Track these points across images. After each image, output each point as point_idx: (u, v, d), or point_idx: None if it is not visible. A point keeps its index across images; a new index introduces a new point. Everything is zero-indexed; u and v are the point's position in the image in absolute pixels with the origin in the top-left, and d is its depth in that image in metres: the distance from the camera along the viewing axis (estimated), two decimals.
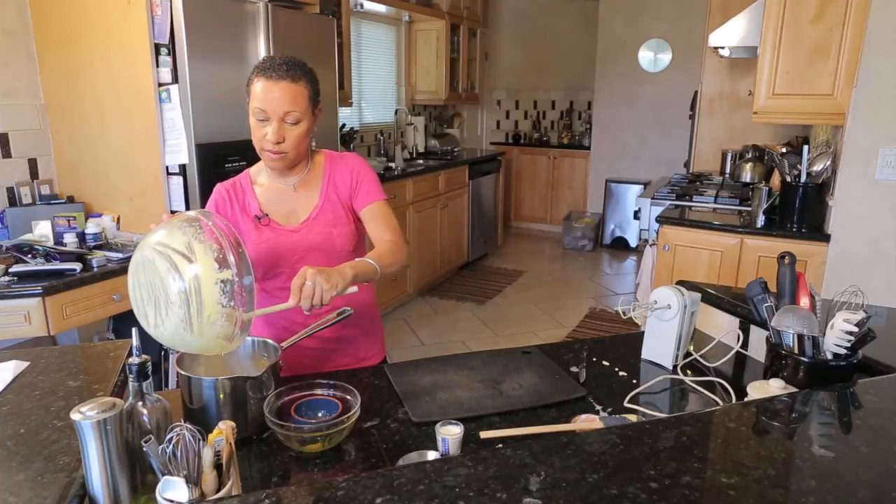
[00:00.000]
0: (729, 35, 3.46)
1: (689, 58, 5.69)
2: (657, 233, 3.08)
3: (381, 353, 1.72)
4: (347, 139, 4.64)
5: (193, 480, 0.87)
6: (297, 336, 1.36)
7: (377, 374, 1.45)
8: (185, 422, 0.89)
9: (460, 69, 5.81)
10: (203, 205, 2.55)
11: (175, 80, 2.44)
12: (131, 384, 0.97)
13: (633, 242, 6.20)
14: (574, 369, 1.45)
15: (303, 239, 1.52)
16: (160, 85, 2.45)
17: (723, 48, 3.74)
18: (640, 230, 3.68)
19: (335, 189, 1.56)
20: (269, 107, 1.39)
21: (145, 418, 0.96)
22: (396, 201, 4.29)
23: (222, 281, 1.05)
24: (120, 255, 2.45)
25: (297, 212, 1.55)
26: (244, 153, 2.75)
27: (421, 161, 5.18)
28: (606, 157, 6.50)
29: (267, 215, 1.53)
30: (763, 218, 2.81)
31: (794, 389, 1.17)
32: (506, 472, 0.82)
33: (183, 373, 1.15)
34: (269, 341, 1.31)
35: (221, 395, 1.13)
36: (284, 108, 1.40)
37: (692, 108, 4.84)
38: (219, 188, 1.56)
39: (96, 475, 0.89)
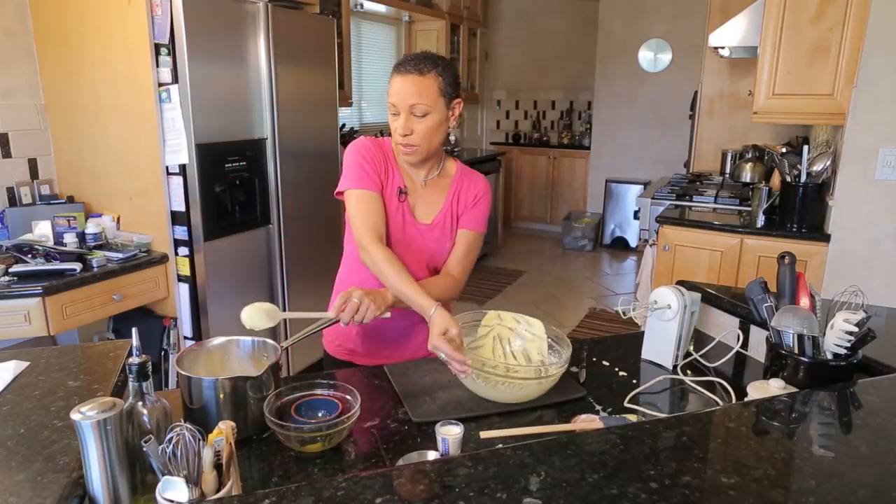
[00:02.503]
0: (729, 35, 3.46)
1: (689, 58, 5.69)
2: (657, 233, 3.08)
3: None
4: (347, 139, 4.64)
5: (193, 480, 0.87)
6: (298, 336, 1.36)
7: (377, 374, 1.45)
8: (185, 422, 0.89)
9: (460, 69, 5.81)
10: (202, 203, 2.55)
11: (175, 80, 2.43)
12: (131, 384, 0.97)
13: (633, 242, 6.20)
14: (574, 369, 1.44)
15: (423, 237, 1.54)
16: (160, 85, 2.45)
17: (723, 48, 3.74)
18: (640, 230, 3.68)
19: (458, 202, 1.57)
20: (398, 99, 1.41)
21: (145, 418, 0.96)
22: None
23: None
24: (120, 255, 2.45)
25: (423, 207, 1.56)
26: (244, 153, 2.75)
27: None
28: (606, 157, 6.50)
29: (406, 193, 1.53)
30: (763, 218, 2.81)
31: (794, 389, 1.17)
32: (506, 472, 0.82)
33: (183, 373, 1.15)
34: (269, 341, 1.32)
35: (221, 395, 1.13)
36: (411, 101, 1.40)
37: (692, 108, 4.84)
38: (363, 139, 1.52)
39: (96, 475, 0.89)
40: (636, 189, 6.01)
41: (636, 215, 3.73)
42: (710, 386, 1.39)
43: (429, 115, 1.42)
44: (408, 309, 1.45)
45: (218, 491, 0.89)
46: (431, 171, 1.57)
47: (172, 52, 2.41)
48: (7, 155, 2.60)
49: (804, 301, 1.30)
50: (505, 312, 1.47)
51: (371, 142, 1.54)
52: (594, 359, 1.54)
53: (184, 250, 2.62)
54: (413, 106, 1.41)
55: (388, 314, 1.39)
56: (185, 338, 2.70)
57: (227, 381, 1.13)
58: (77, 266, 2.30)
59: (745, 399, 1.17)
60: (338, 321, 1.34)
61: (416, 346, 1.64)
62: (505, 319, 1.46)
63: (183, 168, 2.52)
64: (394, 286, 1.41)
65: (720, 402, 1.32)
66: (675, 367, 1.49)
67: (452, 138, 6.09)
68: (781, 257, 1.33)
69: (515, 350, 1.44)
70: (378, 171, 1.50)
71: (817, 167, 2.66)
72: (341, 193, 1.52)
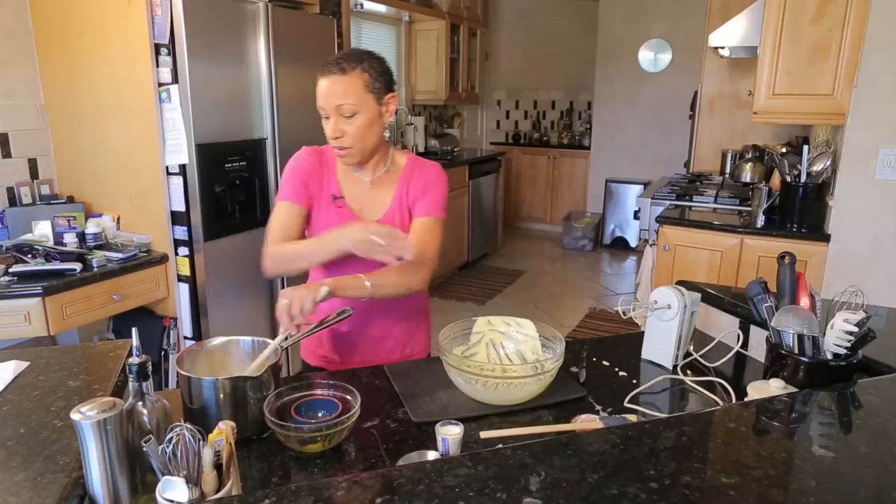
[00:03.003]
0: (729, 35, 3.46)
1: (689, 58, 5.69)
2: (657, 233, 3.08)
3: (426, 349, 1.73)
4: None
5: (193, 480, 0.87)
6: (297, 336, 1.36)
7: (377, 374, 1.45)
8: (185, 422, 0.89)
9: (460, 69, 5.81)
10: (202, 203, 2.55)
11: (175, 80, 2.43)
12: (131, 384, 0.97)
13: (633, 242, 6.20)
14: (574, 369, 1.44)
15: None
16: (160, 85, 2.45)
17: (723, 48, 3.74)
18: (640, 230, 3.68)
19: (407, 198, 1.53)
20: (323, 102, 1.39)
21: (145, 418, 0.96)
22: None
23: None
24: (120, 255, 2.45)
25: (370, 208, 1.53)
26: (244, 153, 2.75)
27: None
28: (606, 157, 6.50)
29: (343, 198, 1.51)
30: (763, 218, 2.81)
31: (794, 389, 1.17)
32: (506, 472, 0.82)
33: (183, 373, 1.15)
34: (269, 341, 1.32)
35: (221, 396, 1.13)
36: (336, 101, 1.38)
37: (692, 108, 4.84)
38: (303, 152, 1.53)
39: (96, 475, 0.89)
40: (636, 189, 6.01)
41: (636, 215, 3.73)
42: (710, 386, 1.39)
43: (358, 115, 1.39)
44: (377, 318, 1.52)
45: (218, 491, 0.89)
46: (377, 169, 1.53)
47: (172, 52, 2.41)
48: (7, 155, 2.60)
49: (804, 301, 1.30)
50: (494, 317, 1.47)
51: (309, 153, 1.53)
52: (594, 359, 1.54)
53: (184, 250, 2.62)
54: (339, 106, 1.38)
55: (324, 290, 1.30)
56: (185, 338, 2.70)
57: (226, 381, 1.13)
58: (77, 266, 2.30)
59: (745, 399, 1.17)
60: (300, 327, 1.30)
61: (386, 351, 1.63)
62: (495, 324, 1.46)
63: (183, 168, 2.53)
64: (303, 255, 1.42)
65: (720, 402, 1.32)
66: (675, 367, 1.49)
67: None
68: (781, 257, 1.33)
69: (510, 353, 1.44)
70: (307, 182, 1.50)
71: (817, 167, 2.66)
72: None
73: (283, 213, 1.50)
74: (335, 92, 1.38)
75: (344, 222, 1.46)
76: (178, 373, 1.17)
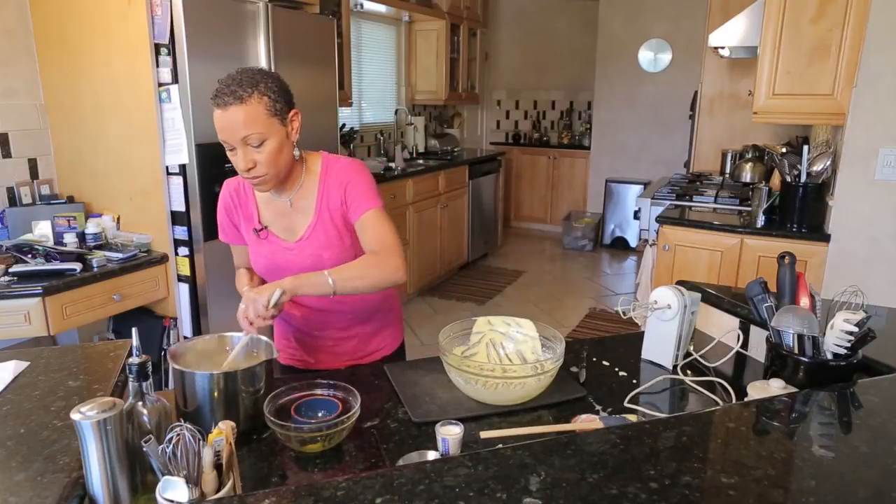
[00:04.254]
0: (729, 35, 3.46)
1: (689, 58, 5.69)
2: (657, 233, 3.08)
3: (396, 342, 1.72)
4: (347, 139, 4.65)
5: (193, 480, 0.87)
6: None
7: (377, 374, 1.45)
8: (182, 420, 0.89)
9: (460, 69, 5.81)
10: (202, 203, 2.55)
11: (175, 80, 2.43)
12: (131, 384, 0.97)
13: (633, 242, 6.20)
14: (574, 369, 1.44)
15: (296, 258, 1.48)
16: (160, 85, 2.45)
17: (723, 48, 3.74)
18: (640, 230, 3.68)
19: (328, 206, 1.47)
20: (227, 136, 1.31)
21: (145, 418, 0.96)
22: (396, 201, 4.29)
23: None
24: (120, 255, 2.45)
25: (295, 227, 1.49)
26: None
27: (421, 161, 5.18)
28: (606, 157, 6.50)
29: (266, 228, 1.50)
30: (763, 218, 2.81)
31: (794, 389, 1.17)
32: (506, 472, 0.82)
33: (177, 367, 1.15)
34: (262, 337, 1.31)
35: (215, 391, 1.13)
36: (241, 134, 1.29)
37: (692, 108, 4.84)
38: (224, 189, 1.54)
39: (96, 475, 0.89)
40: (636, 189, 6.01)
41: (636, 215, 3.73)
42: (710, 386, 1.39)
43: (266, 141, 1.32)
44: (339, 320, 1.57)
45: (218, 491, 0.89)
46: (294, 186, 1.47)
47: (172, 52, 2.41)
48: (7, 155, 2.60)
49: (804, 301, 1.30)
50: (494, 317, 1.48)
51: (228, 190, 1.53)
52: (594, 359, 1.54)
53: (184, 250, 2.62)
54: (245, 137, 1.30)
55: (278, 292, 1.30)
56: (185, 338, 2.70)
57: (220, 374, 1.14)
58: (77, 266, 2.30)
59: (745, 399, 1.18)
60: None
61: (350, 350, 1.63)
62: (495, 324, 1.46)
63: (183, 168, 2.52)
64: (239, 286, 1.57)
65: (720, 402, 1.32)
66: (675, 367, 1.48)
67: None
68: (781, 257, 1.33)
69: (510, 353, 1.44)
70: (233, 219, 1.54)
71: (817, 167, 2.66)
72: None
73: (232, 250, 1.64)
74: (237, 122, 1.28)
75: (274, 249, 1.49)
76: (172, 368, 1.17)
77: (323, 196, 1.47)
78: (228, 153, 1.35)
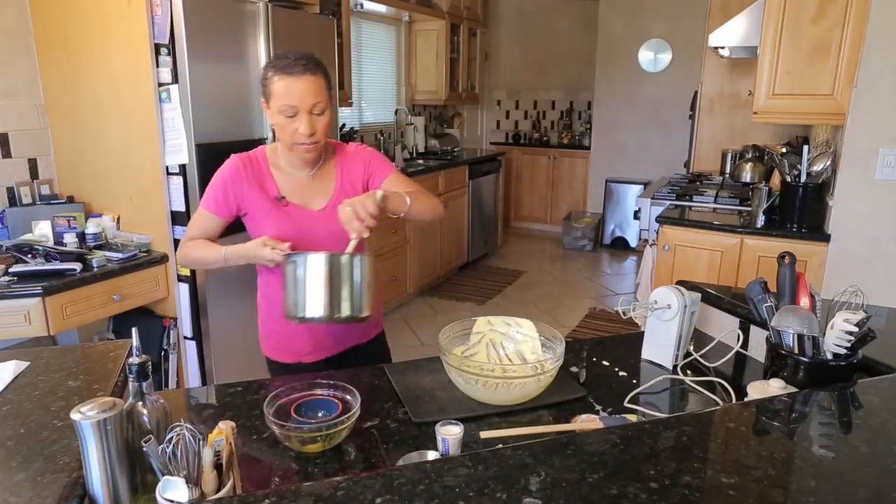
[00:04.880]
0: (729, 35, 3.46)
1: (689, 58, 5.69)
2: (657, 233, 3.08)
3: (378, 327, 1.81)
4: (347, 139, 4.65)
5: (193, 480, 0.87)
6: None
7: (377, 374, 1.45)
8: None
9: (460, 69, 5.81)
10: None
11: (175, 80, 2.43)
12: (131, 384, 0.97)
13: (633, 242, 6.20)
14: (574, 369, 1.44)
15: (324, 223, 1.57)
16: (160, 85, 2.45)
17: (723, 48, 3.74)
18: (640, 230, 3.68)
19: (350, 178, 1.63)
20: (298, 101, 1.44)
21: (145, 418, 0.96)
22: None
23: None
24: (120, 255, 2.45)
25: (313, 199, 1.60)
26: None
27: (421, 161, 5.18)
28: (606, 157, 6.50)
29: (284, 198, 1.59)
30: (763, 218, 2.81)
31: (794, 389, 1.17)
32: (506, 472, 0.82)
33: (291, 255, 1.33)
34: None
35: (329, 270, 1.29)
36: (311, 101, 1.45)
37: (692, 108, 4.84)
38: (234, 160, 1.60)
39: (96, 475, 0.89)
40: (636, 189, 6.01)
41: (636, 215, 3.73)
42: (710, 386, 1.39)
43: (325, 113, 1.50)
44: None
45: (218, 491, 0.89)
46: (318, 161, 1.61)
47: (172, 52, 2.41)
48: (7, 155, 2.60)
49: (804, 301, 1.30)
50: (494, 317, 1.48)
51: (242, 162, 1.59)
52: (594, 359, 1.54)
53: None
54: (314, 105, 1.46)
55: (380, 193, 1.42)
56: (185, 338, 2.70)
57: (332, 255, 1.30)
58: (77, 266, 2.30)
59: (745, 399, 1.18)
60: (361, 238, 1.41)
61: (360, 331, 1.71)
62: (495, 324, 1.47)
63: (183, 168, 2.52)
64: (211, 263, 1.60)
65: (720, 402, 1.32)
66: (675, 367, 1.49)
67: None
68: (781, 257, 1.33)
69: (510, 353, 1.44)
70: (235, 194, 1.57)
71: (817, 167, 2.66)
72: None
73: (203, 218, 1.61)
74: (310, 91, 1.45)
75: (300, 218, 1.57)
76: (286, 256, 1.34)
77: (343, 170, 1.64)
78: (286, 119, 1.46)
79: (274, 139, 2.03)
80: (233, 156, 1.62)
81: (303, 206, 1.59)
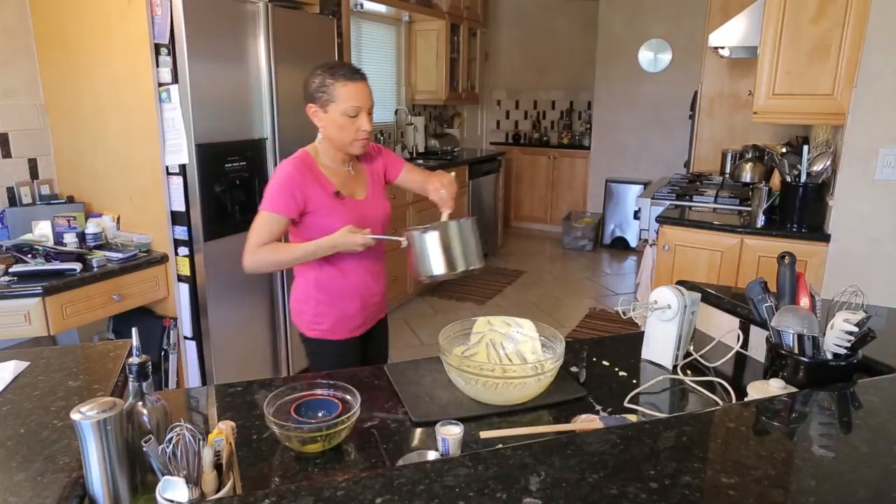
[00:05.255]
0: (729, 35, 3.46)
1: (689, 58, 5.69)
2: (657, 233, 3.08)
3: (385, 309, 2.03)
4: None
5: (193, 480, 0.87)
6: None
7: (377, 374, 1.45)
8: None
9: (460, 69, 5.80)
10: (202, 203, 2.55)
11: (175, 80, 2.43)
12: (131, 384, 0.97)
13: (633, 242, 6.20)
14: (574, 369, 1.44)
15: (372, 210, 1.81)
16: (160, 85, 2.45)
17: (723, 48, 3.74)
18: (640, 230, 3.68)
19: (373, 170, 1.87)
20: (362, 102, 1.68)
21: (145, 418, 0.96)
22: (396, 201, 4.29)
23: None
24: (120, 255, 2.45)
25: (357, 189, 1.80)
26: (244, 153, 2.75)
27: (421, 161, 5.18)
28: (606, 157, 6.50)
29: (340, 192, 1.75)
30: (763, 218, 2.81)
31: (794, 389, 1.17)
32: (506, 472, 0.82)
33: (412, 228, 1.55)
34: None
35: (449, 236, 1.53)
36: (370, 102, 1.71)
37: (692, 108, 4.84)
38: (290, 165, 1.71)
39: (96, 475, 0.89)
40: (636, 189, 6.01)
41: (636, 215, 3.73)
42: (710, 386, 1.39)
43: (372, 113, 1.73)
44: (377, 281, 1.87)
45: (218, 491, 0.89)
46: (353, 157, 1.81)
47: (172, 52, 2.41)
48: (7, 155, 2.60)
49: (804, 301, 1.30)
50: (494, 317, 1.48)
51: (297, 165, 1.71)
52: (594, 359, 1.54)
53: (184, 250, 2.62)
54: (370, 107, 1.71)
55: (452, 173, 1.80)
56: (185, 338, 2.70)
57: (452, 224, 1.56)
58: (77, 266, 2.30)
59: (745, 399, 1.18)
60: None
61: (382, 309, 1.95)
62: (495, 324, 1.47)
63: (183, 168, 2.52)
64: (293, 256, 1.72)
65: (720, 402, 1.32)
66: (675, 367, 1.49)
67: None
68: (781, 257, 1.33)
69: (510, 353, 1.44)
70: (298, 195, 1.69)
71: (817, 167, 2.66)
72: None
73: (272, 222, 1.70)
74: (368, 94, 1.70)
75: (354, 207, 1.75)
76: (411, 235, 1.56)
77: (368, 164, 1.87)
78: (349, 119, 1.67)
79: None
80: (285, 162, 1.72)
81: (352, 197, 1.77)
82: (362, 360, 1.91)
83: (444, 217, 1.68)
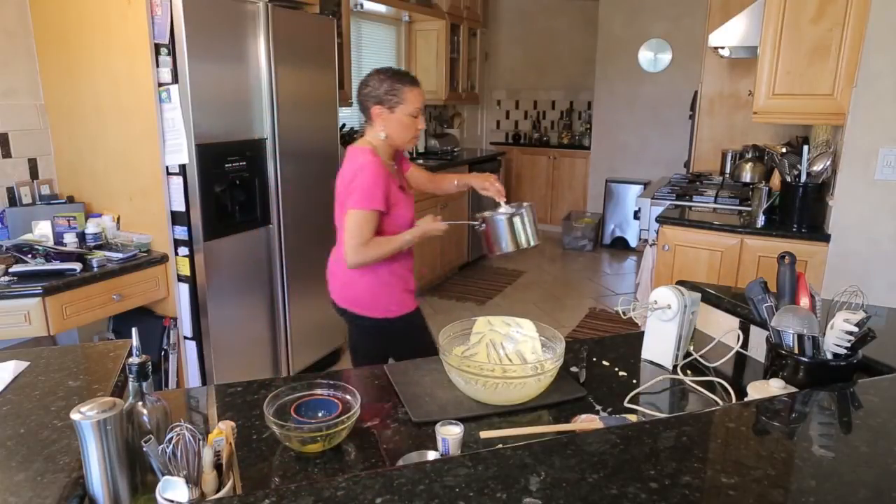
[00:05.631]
0: (729, 35, 3.46)
1: (689, 58, 5.69)
2: (657, 233, 3.08)
3: None
4: (347, 139, 4.64)
5: (193, 480, 0.87)
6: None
7: (377, 374, 1.45)
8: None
9: (460, 69, 5.80)
10: (202, 203, 2.55)
11: (175, 80, 2.43)
12: (131, 384, 0.97)
13: (633, 242, 6.20)
14: (574, 369, 1.44)
15: (412, 200, 2.03)
16: (160, 85, 2.45)
17: (723, 48, 3.74)
18: (640, 230, 3.68)
19: (402, 166, 2.11)
20: (422, 105, 1.93)
21: (145, 418, 0.96)
22: None
23: None
24: (120, 255, 2.45)
25: (402, 182, 2.02)
26: (244, 153, 2.75)
27: (421, 161, 5.18)
28: (606, 157, 6.50)
29: (402, 185, 1.99)
30: (763, 218, 2.81)
31: (794, 389, 1.17)
32: (506, 472, 0.82)
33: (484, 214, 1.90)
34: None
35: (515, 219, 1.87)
36: (424, 104, 1.95)
37: (692, 108, 4.84)
38: (373, 159, 1.86)
39: (96, 475, 0.89)
40: (636, 189, 6.01)
41: (636, 215, 3.73)
42: (710, 386, 1.39)
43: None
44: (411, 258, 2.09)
45: (218, 491, 0.89)
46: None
47: (172, 52, 2.41)
48: (7, 155, 2.60)
49: (804, 301, 1.30)
50: (494, 317, 1.48)
51: (377, 159, 1.87)
52: (594, 359, 1.54)
53: (184, 250, 2.62)
54: (425, 107, 1.95)
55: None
56: (185, 338, 2.70)
57: (518, 209, 1.91)
58: (77, 266, 2.30)
59: (745, 399, 1.18)
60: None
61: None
62: (495, 324, 1.47)
63: (183, 168, 2.52)
64: (394, 247, 1.89)
65: (720, 402, 1.32)
66: (675, 367, 1.49)
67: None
68: (781, 257, 1.33)
69: (510, 353, 1.44)
70: (387, 187, 1.86)
71: (817, 167, 2.66)
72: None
73: (371, 219, 1.84)
74: (424, 98, 1.94)
75: (411, 202, 2.00)
76: (492, 220, 1.88)
77: (395, 161, 2.05)
78: (412, 119, 1.91)
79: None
80: (367, 156, 1.87)
81: (405, 190, 1.99)
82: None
83: (504, 205, 1.94)
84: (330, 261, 2.08)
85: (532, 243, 1.92)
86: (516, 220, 1.89)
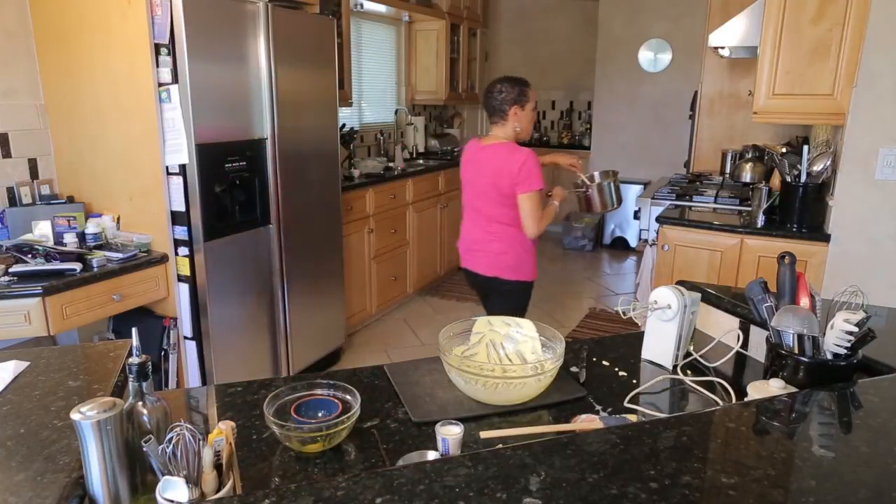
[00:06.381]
0: (729, 35, 3.46)
1: (689, 58, 5.69)
2: (657, 233, 3.08)
3: None
4: (347, 139, 4.64)
5: (193, 480, 0.87)
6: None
7: (377, 374, 1.45)
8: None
9: (460, 69, 5.80)
10: (202, 203, 2.55)
11: (175, 80, 2.43)
12: (131, 384, 0.97)
13: (633, 242, 6.20)
14: (574, 369, 1.44)
15: None
16: (160, 85, 2.45)
17: (723, 48, 3.74)
18: (640, 230, 3.68)
19: None
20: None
21: (145, 418, 0.96)
22: (396, 201, 4.29)
23: None
24: (120, 255, 2.45)
25: None
26: (244, 153, 2.75)
27: (421, 161, 5.18)
28: (606, 157, 6.49)
29: None
30: (763, 218, 2.81)
31: (794, 389, 1.17)
32: (506, 472, 0.82)
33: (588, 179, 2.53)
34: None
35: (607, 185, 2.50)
36: None
37: (692, 108, 4.84)
38: (531, 153, 2.32)
39: (96, 475, 0.89)
40: (636, 189, 6.00)
41: (636, 215, 3.73)
42: (710, 386, 1.39)
43: None
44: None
45: (218, 491, 0.89)
46: None
47: (172, 52, 2.41)
48: (7, 155, 2.60)
49: (804, 301, 1.30)
50: (494, 317, 1.48)
51: (531, 150, 2.35)
52: (594, 359, 1.54)
53: (184, 250, 2.62)
54: None
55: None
56: (185, 338, 2.70)
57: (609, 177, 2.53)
58: (77, 266, 2.30)
59: (745, 399, 1.17)
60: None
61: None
62: (495, 324, 1.47)
63: (183, 168, 2.52)
64: (552, 215, 2.46)
65: (720, 402, 1.32)
66: (675, 367, 1.48)
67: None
68: (781, 257, 1.33)
69: (510, 353, 1.44)
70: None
71: (817, 167, 2.66)
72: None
73: (540, 197, 2.36)
74: None
75: None
76: (599, 185, 2.53)
77: None
78: (534, 113, 2.46)
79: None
80: (523, 148, 2.34)
81: None
82: None
83: (596, 175, 2.53)
84: (478, 236, 2.49)
85: (621, 204, 2.59)
86: (615, 182, 2.50)
